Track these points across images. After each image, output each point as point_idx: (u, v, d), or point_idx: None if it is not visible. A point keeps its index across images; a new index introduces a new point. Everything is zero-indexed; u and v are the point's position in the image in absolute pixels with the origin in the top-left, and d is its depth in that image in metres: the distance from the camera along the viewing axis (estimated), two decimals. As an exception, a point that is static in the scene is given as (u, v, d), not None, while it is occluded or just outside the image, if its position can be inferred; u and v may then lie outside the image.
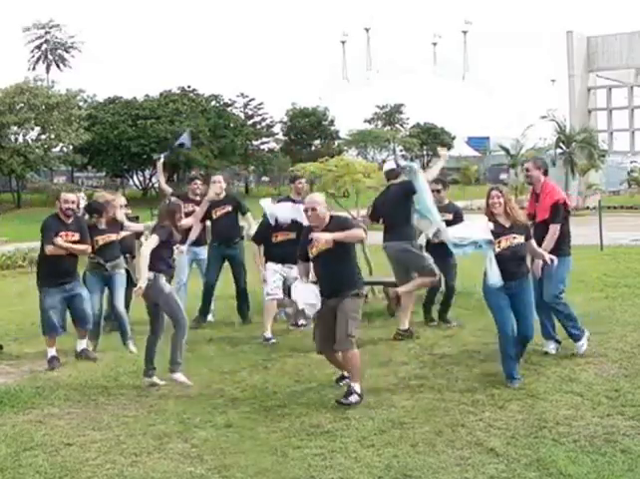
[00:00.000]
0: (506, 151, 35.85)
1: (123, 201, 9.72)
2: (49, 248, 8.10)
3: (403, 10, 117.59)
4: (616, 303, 10.20)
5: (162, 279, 7.15)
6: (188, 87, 49.45)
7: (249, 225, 10.20)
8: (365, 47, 44.89)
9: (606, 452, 5.12)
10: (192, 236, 9.45)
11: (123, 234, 9.00)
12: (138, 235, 9.57)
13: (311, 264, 6.74)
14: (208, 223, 10.21)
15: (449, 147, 60.06)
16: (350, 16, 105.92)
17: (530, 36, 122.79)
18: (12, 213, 35.54)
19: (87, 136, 39.21)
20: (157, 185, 43.01)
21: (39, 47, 67.35)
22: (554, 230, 7.42)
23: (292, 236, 9.01)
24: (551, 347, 7.72)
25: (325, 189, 10.91)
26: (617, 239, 18.02)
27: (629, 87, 37.00)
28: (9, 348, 8.97)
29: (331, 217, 6.72)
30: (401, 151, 60.68)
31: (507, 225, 6.75)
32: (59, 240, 8.06)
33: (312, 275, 6.82)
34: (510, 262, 6.69)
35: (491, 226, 6.68)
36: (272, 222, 9.24)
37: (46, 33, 66.96)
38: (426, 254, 8.85)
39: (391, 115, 64.99)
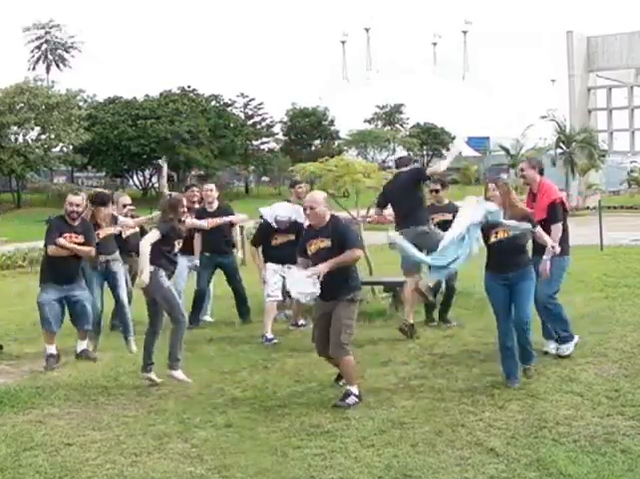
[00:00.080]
0: (506, 151, 35.90)
1: (128, 200, 9.74)
2: (51, 249, 8.10)
3: (403, 10, 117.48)
4: (616, 303, 10.20)
5: (162, 274, 7.13)
6: (188, 87, 49.49)
7: (235, 236, 10.17)
8: (365, 47, 44.91)
9: (606, 452, 5.12)
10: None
11: (117, 228, 9.01)
12: (142, 232, 9.56)
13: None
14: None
15: (448, 147, 60.26)
16: (350, 16, 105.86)
17: (530, 36, 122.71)
18: (12, 213, 35.58)
19: (87, 136, 39.23)
20: (157, 185, 43.14)
21: (39, 47, 67.34)
22: (556, 229, 7.38)
23: (292, 237, 9.02)
24: (551, 347, 7.72)
25: (325, 189, 10.88)
26: (617, 239, 18.02)
27: (629, 87, 37.00)
28: (9, 348, 8.98)
29: (332, 217, 6.66)
30: (401, 151, 60.72)
31: (506, 216, 6.69)
32: (61, 241, 8.06)
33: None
34: (508, 253, 6.65)
35: (493, 206, 6.64)
36: (272, 222, 9.25)
37: (46, 33, 66.94)
38: (442, 233, 8.85)
39: (391, 115, 64.96)
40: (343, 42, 44.75)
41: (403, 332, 8.69)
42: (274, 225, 9.25)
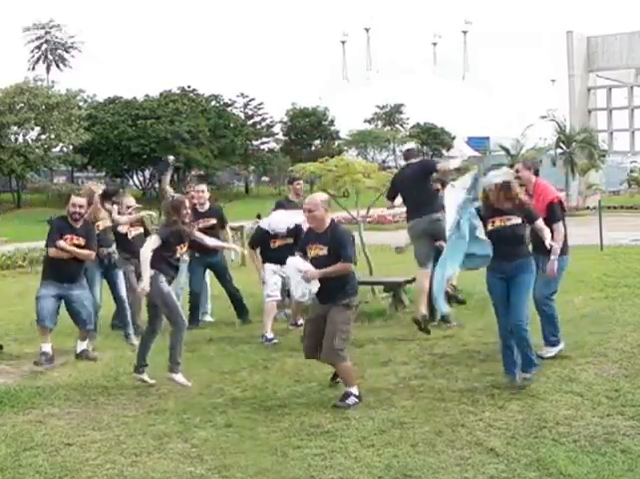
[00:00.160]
0: (506, 151, 35.83)
1: (132, 201, 9.74)
2: (51, 251, 8.12)
3: (403, 10, 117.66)
4: (616, 303, 10.19)
5: (162, 279, 7.09)
6: (188, 87, 49.50)
7: (227, 240, 10.04)
8: (365, 47, 44.79)
9: (606, 452, 5.12)
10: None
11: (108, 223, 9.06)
12: (146, 232, 9.57)
13: None
14: None
15: (448, 147, 60.30)
16: (350, 16, 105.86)
17: (530, 36, 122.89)
18: (12, 213, 35.58)
19: (87, 136, 39.24)
20: (156, 185, 43.10)
21: (39, 47, 67.31)
22: (558, 229, 7.37)
23: (290, 241, 9.06)
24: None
25: (325, 189, 10.90)
26: (617, 239, 18.01)
27: (629, 87, 37.02)
28: (9, 348, 8.97)
29: (332, 223, 6.56)
30: (401, 151, 60.70)
31: (504, 206, 6.65)
32: (61, 243, 8.06)
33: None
34: (506, 242, 6.59)
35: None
36: (271, 231, 9.31)
37: (46, 33, 66.92)
38: None
39: (391, 115, 65.00)
40: (343, 42, 44.67)
41: (417, 324, 8.68)
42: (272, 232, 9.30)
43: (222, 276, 10.12)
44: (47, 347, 8.11)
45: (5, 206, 37.84)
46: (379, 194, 11.28)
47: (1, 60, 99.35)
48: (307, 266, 6.50)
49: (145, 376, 7.20)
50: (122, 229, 9.35)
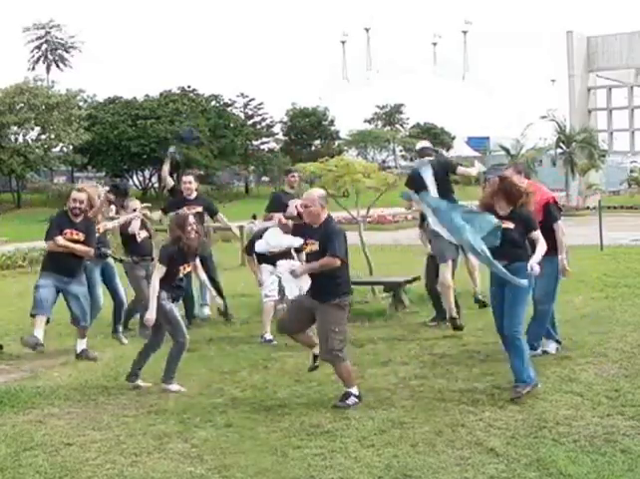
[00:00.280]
0: (506, 151, 35.83)
1: (137, 205, 9.72)
2: (49, 244, 8.15)
3: (403, 10, 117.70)
4: (616, 303, 10.20)
5: (164, 296, 7.00)
6: (188, 87, 49.48)
7: (225, 224, 10.26)
8: (365, 47, 44.82)
9: (606, 452, 5.12)
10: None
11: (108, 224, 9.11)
12: (149, 232, 9.57)
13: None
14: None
15: (448, 147, 60.28)
16: (350, 16, 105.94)
17: (530, 36, 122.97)
18: (12, 213, 35.58)
19: (87, 136, 39.24)
20: (156, 185, 43.11)
21: (39, 47, 67.30)
22: (559, 228, 7.40)
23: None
24: (551, 347, 7.72)
25: (325, 189, 10.90)
26: (617, 238, 18.01)
27: (629, 87, 37.01)
28: (9, 348, 8.97)
29: (327, 219, 6.50)
30: (400, 151, 60.72)
31: (502, 212, 6.54)
32: (60, 240, 8.07)
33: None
34: (503, 244, 6.42)
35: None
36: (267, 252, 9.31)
37: (46, 33, 66.91)
38: None
39: (391, 115, 65.05)
40: (343, 42, 44.70)
41: (452, 322, 8.77)
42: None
43: (207, 263, 10.15)
44: (39, 333, 7.93)
45: (5, 206, 37.84)
46: (379, 194, 11.29)
47: (1, 60, 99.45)
48: (295, 264, 6.53)
49: (138, 382, 7.16)
50: (131, 229, 9.29)
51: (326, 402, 6.42)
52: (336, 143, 56.22)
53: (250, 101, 53.21)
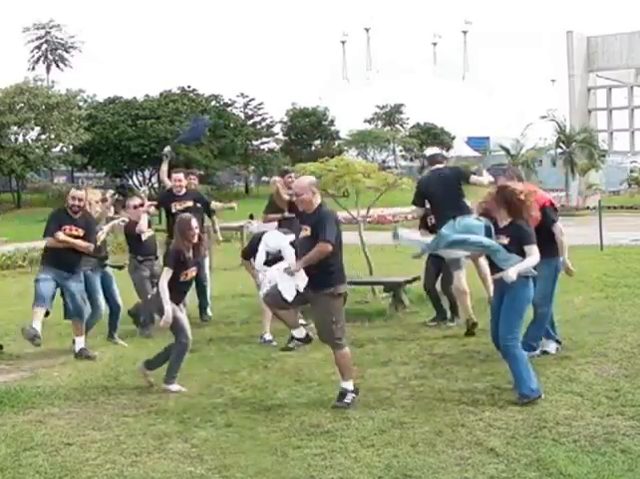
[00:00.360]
0: (506, 151, 35.82)
1: (137, 201, 9.74)
2: (49, 240, 8.17)
3: (403, 10, 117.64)
4: (616, 303, 10.20)
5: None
6: (188, 87, 49.41)
7: (216, 230, 10.33)
8: (365, 47, 44.93)
9: (606, 452, 5.12)
10: None
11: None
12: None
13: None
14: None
15: (448, 147, 60.29)
16: (350, 16, 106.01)
17: (530, 36, 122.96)
18: (12, 213, 35.53)
19: (87, 136, 39.19)
20: (156, 185, 43.08)
21: (39, 47, 67.29)
22: (559, 229, 7.40)
23: None
24: (551, 347, 7.72)
25: (325, 189, 10.90)
26: (617, 238, 18.00)
27: (629, 87, 37.00)
28: (9, 348, 8.98)
29: (320, 205, 6.45)
30: (400, 151, 60.72)
31: (501, 224, 6.45)
32: (60, 235, 8.10)
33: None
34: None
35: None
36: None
37: (46, 33, 66.90)
38: None
39: (391, 115, 64.99)
40: (343, 42, 44.79)
41: (470, 329, 8.68)
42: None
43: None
44: (37, 325, 7.94)
45: (5, 206, 37.80)
46: (379, 194, 11.30)
47: (1, 60, 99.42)
48: (289, 262, 6.57)
49: (149, 377, 7.17)
50: (139, 228, 9.27)
51: (326, 402, 6.42)
52: (336, 143, 56.19)
53: (250, 101, 53.16)
